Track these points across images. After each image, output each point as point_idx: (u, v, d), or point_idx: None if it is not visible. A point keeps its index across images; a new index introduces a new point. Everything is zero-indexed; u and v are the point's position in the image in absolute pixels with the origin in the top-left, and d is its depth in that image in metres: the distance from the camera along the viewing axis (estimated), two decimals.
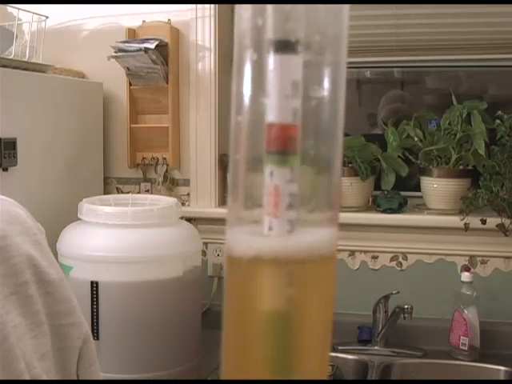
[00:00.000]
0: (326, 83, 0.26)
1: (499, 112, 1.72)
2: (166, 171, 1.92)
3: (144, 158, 1.94)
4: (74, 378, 0.54)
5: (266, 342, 0.25)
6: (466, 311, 1.66)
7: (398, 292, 1.71)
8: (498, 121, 1.71)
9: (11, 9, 1.69)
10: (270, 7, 0.24)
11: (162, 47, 1.84)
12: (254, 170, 0.25)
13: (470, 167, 1.75)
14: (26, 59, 1.58)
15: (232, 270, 0.25)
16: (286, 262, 0.24)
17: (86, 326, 0.57)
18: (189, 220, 1.76)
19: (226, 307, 0.25)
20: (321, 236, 0.26)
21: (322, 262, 0.25)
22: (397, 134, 1.80)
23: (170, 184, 1.93)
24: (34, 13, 1.64)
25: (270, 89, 0.24)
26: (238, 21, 0.26)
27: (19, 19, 1.64)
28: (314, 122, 0.26)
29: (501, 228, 1.69)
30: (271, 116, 0.24)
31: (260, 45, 0.25)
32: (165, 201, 1.58)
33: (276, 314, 0.24)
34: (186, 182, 1.93)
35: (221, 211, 1.84)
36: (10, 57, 1.53)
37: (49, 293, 0.52)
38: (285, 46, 0.24)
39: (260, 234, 0.24)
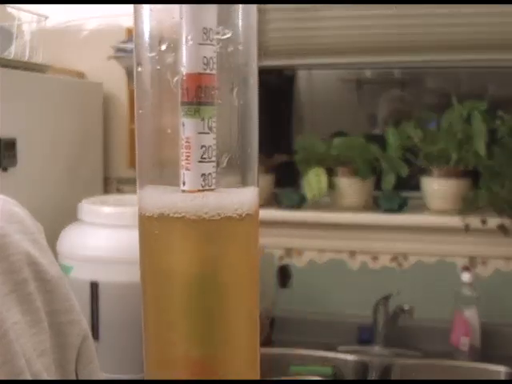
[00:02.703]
0: (237, 27, 0.25)
1: (499, 112, 1.72)
2: None
3: None
4: (73, 375, 0.54)
5: (182, 307, 0.24)
6: (466, 312, 1.66)
7: (399, 292, 1.71)
8: (498, 121, 1.71)
9: (11, 9, 1.68)
10: None
11: None
12: (161, 125, 0.24)
13: (470, 167, 1.75)
14: (25, 59, 1.58)
15: (142, 229, 0.24)
16: (194, 220, 0.23)
17: (85, 324, 0.57)
18: None
19: (140, 268, 0.24)
20: (235, 194, 0.24)
21: (235, 221, 0.24)
22: (397, 134, 1.80)
23: None
24: (33, 13, 1.64)
25: (179, 37, 0.23)
26: None
27: (19, 19, 1.64)
28: (227, 70, 0.25)
29: (501, 228, 1.69)
30: (182, 65, 0.23)
31: None
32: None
33: (189, 276, 0.23)
34: None
35: None
36: (10, 57, 1.53)
37: (48, 290, 0.52)
38: None
39: (172, 192, 0.23)
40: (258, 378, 0.25)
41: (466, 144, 1.73)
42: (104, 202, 1.57)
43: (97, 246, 1.43)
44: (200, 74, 0.23)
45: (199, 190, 0.23)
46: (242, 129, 0.25)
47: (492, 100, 1.85)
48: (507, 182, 1.68)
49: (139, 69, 0.25)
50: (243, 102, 0.25)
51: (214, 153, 0.23)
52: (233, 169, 0.24)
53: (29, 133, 1.55)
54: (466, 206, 1.71)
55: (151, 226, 0.24)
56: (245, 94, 0.25)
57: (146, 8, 0.24)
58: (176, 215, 0.23)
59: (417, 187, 1.83)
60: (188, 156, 0.23)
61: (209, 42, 0.23)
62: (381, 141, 1.83)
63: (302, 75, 2.07)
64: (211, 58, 0.23)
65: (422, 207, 1.82)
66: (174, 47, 0.24)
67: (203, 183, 0.23)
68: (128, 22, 1.92)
